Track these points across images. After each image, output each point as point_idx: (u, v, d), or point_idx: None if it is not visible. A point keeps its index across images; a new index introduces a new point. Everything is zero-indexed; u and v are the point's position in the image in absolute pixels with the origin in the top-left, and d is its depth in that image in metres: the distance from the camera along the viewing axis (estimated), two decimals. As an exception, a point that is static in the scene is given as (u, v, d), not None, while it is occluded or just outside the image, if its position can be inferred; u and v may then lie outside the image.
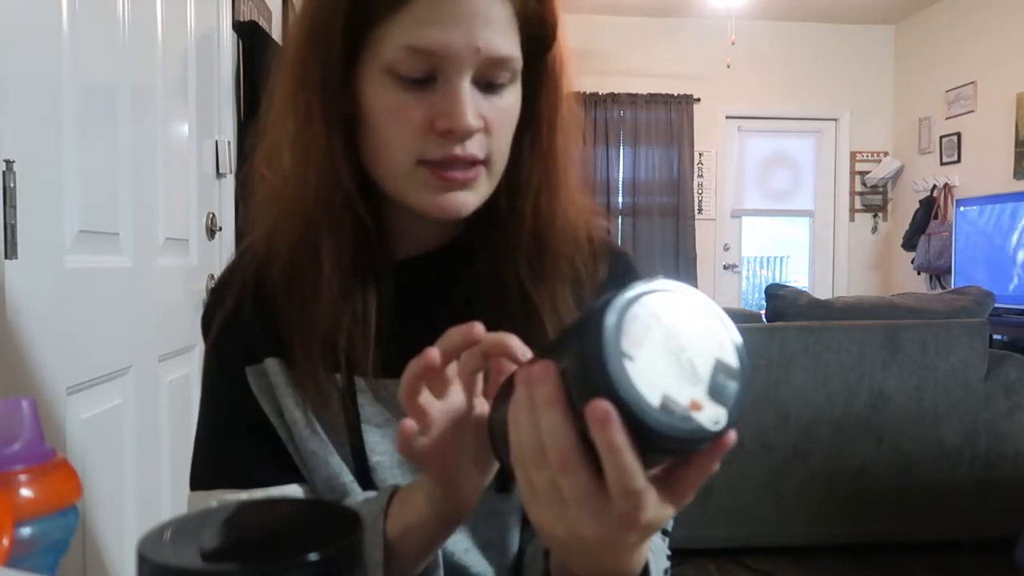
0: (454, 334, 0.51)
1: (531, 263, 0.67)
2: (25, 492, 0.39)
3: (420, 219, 0.68)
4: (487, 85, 0.62)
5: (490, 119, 0.62)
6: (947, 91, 5.19)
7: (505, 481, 0.68)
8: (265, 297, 0.68)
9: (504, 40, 0.60)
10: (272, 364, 0.67)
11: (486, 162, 0.63)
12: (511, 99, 0.64)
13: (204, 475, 0.69)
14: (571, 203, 0.70)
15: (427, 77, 0.60)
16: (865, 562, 2.64)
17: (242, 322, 0.68)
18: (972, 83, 4.95)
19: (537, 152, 0.68)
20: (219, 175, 1.99)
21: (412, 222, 0.69)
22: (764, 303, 2.84)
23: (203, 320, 0.72)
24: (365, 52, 0.61)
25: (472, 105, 0.60)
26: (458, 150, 0.61)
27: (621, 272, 0.73)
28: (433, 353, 0.50)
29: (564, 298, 0.68)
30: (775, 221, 6.09)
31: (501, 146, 0.64)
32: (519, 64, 0.63)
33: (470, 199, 0.63)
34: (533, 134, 0.67)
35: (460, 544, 0.69)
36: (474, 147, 0.61)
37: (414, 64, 0.59)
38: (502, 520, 0.69)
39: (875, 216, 5.91)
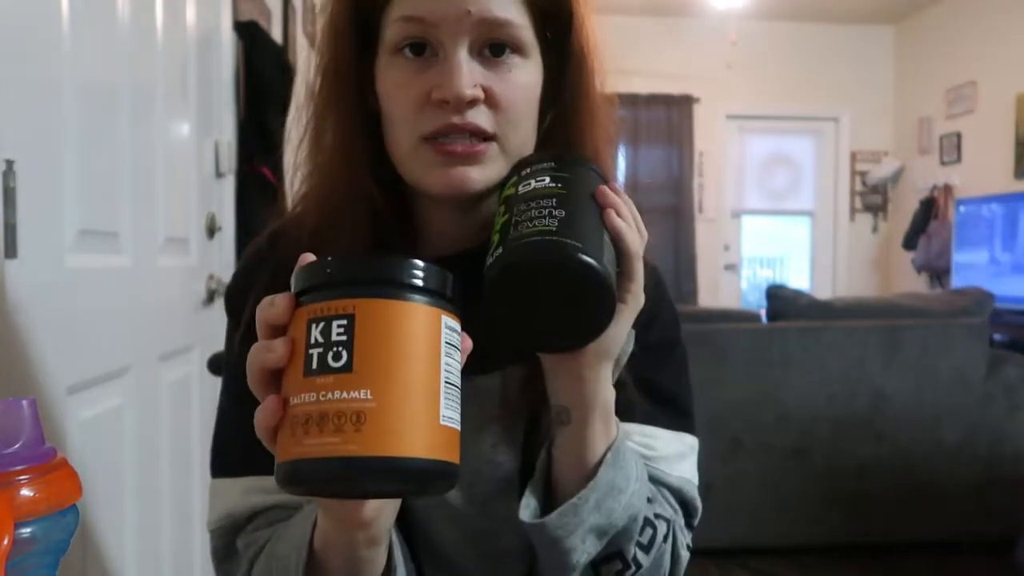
0: None
1: None
2: (25, 492, 0.39)
3: (446, 215, 0.68)
4: (492, 54, 0.61)
5: (496, 92, 0.61)
6: (947, 91, 5.19)
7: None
8: None
9: (501, 4, 0.60)
10: None
11: (497, 139, 0.62)
12: (522, 75, 0.63)
13: (230, 462, 0.67)
14: None
15: (424, 48, 0.60)
16: (865, 562, 2.64)
17: None
18: (972, 83, 4.96)
19: (562, 140, 0.66)
20: (219, 175, 1.99)
21: (440, 219, 0.68)
22: (764, 303, 2.85)
23: (227, 300, 0.72)
24: (377, 42, 0.63)
25: (468, 73, 0.59)
26: (456, 119, 0.60)
27: (652, 286, 0.65)
28: None
29: None
30: (775, 221, 6.10)
31: (513, 124, 0.62)
32: (523, 33, 0.62)
33: (475, 174, 0.62)
34: (556, 120, 0.66)
35: (468, 553, 0.68)
36: (476, 118, 0.60)
37: (409, 35, 0.60)
38: (521, 527, 0.68)
39: (875, 216, 5.91)
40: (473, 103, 0.60)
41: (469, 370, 0.67)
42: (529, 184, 0.57)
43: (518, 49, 0.62)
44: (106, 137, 1.32)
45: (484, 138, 0.61)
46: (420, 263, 0.44)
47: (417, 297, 0.43)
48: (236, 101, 2.12)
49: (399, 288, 0.43)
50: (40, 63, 1.10)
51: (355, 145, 0.65)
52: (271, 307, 0.44)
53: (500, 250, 0.54)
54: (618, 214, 0.56)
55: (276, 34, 2.58)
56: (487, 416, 0.67)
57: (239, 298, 0.68)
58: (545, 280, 0.53)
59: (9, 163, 1.00)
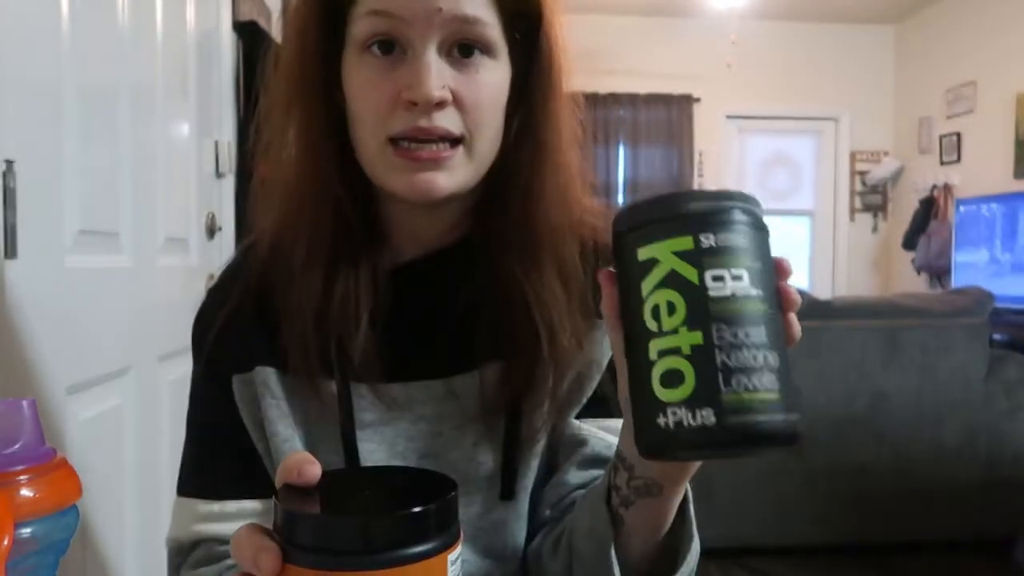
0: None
1: (522, 256, 0.65)
2: (25, 492, 0.39)
3: (413, 217, 0.67)
4: (460, 54, 0.61)
5: (463, 94, 0.60)
6: (947, 91, 5.19)
7: (508, 488, 0.68)
8: (267, 298, 0.67)
9: (471, 2, 0.59)
10: (262, 372, 0.66)
11: (464, 141, 0.61)
12: (489, 75, 0.62)
13: (185, 482, 0.70)
14: (565, 196, 0.67)
15: (393, 46, 0.60)
16: (865, 562, 2.64)
17: (238, 327, 0.67)
18: (972, 83, 4.95)
19: (528, 140, 0.66)
20: (219, 175, 1.99)
21: (406, 221, 0.68)
22: (764, 303, 2.84)
23: (197, 321, 0.71)
24: (345, 39, 0.62)
25: (436, 75, 0.59)
26: (423, 122, 0.59)
27: None
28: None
29: (552, 288, 0.65)
30: (775, 221, 6.08)
31: (481, 126, 0.62)
32: (491, 32, 0.61)
33: (442, 180, 0.61)
34: (523, 120, 0.66)
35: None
36: (443, 121, 0.60)
37: (378, 31, 0.59)
38: (505, 528, 0.68)
39: (875, 216, 5.91)
40: (442, 105, 0.59)
41: (447, 370, 0.68)
42: (722, 280, 0.42)
43: (486, 49, 0.61)
44: (106, 137, 1.32)
45: (452, 142, 0.61)
46: (430, 509, 0.38)
47: (423, 550, 0.38)
48: (236, 101, 2.12)
49: (404, 548, 0.37)
50: (40, 63, 1.10)
51: (321, 143, 0.63)
52: (256, 569, 0.38)
53: (707, 415, 0.41)
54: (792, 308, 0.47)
55: (276, 34, 2.58)
56: (467, 415, 0.67)
57: (210, 324, 0.68)
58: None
59: (9, 163, 1.00)
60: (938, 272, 5.00)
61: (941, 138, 5.25)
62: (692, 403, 0.41)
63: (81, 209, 1.19)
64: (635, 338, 0.45)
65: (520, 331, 0.65)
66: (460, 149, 0.61)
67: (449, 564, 0.39)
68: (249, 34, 2.16)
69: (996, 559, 2.61)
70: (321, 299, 0.64)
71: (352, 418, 0.66)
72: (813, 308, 2.71)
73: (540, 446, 0.68)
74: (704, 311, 0.42)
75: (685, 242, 0.43)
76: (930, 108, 5.38)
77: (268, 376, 0.66)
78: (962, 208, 4.63)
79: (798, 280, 5.92)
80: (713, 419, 0.41)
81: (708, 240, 0.43)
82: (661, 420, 0.42)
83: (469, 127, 0.61)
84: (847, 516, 2.65)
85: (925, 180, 5.32)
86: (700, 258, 0.42)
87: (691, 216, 0.43)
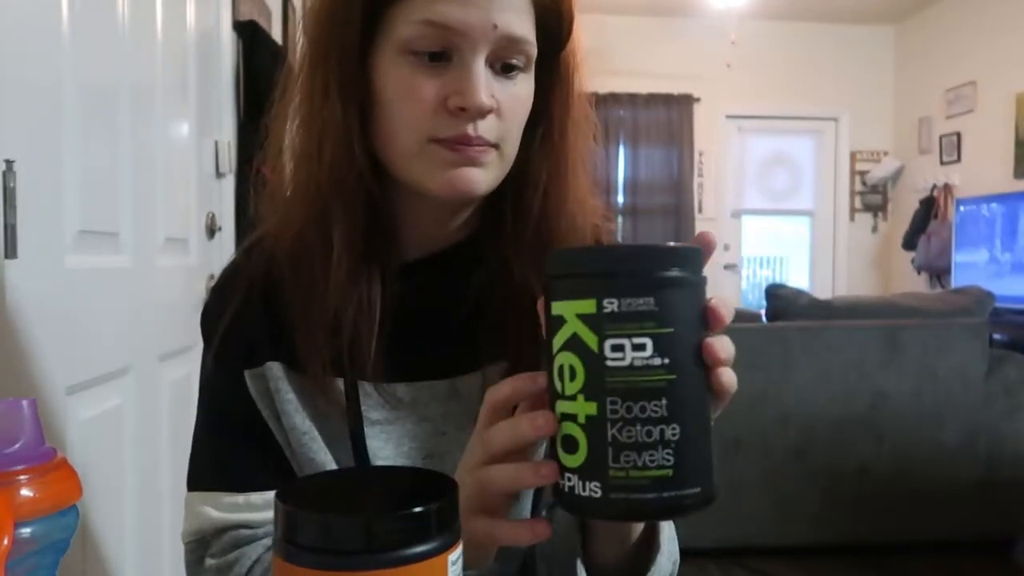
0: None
1: (535, 261, 0.66)
2: (25, 492, 0.39)
3: (428, 216, 0.67)
4: (501, 68, 0.62)
5: (503, 103, 0.62)
6: (947, 91, 5.19)
7: None
8: (273, 296, 0.67)
9: (520, 22, 0.61)
10: (273, 368, 0.66)
11: (498, 147, 0.63)
12: (524, 87, 0.64)
13: (202, 477, 0.69)
14: (578, 202, 0.69)
15: (442, 54, 0.60)
16: (865, 562, 2.64)
17: (246, 323, 0.67)
18: (972, 83, 4.96)
19: (547, 149, 0.67)
20: (219, 175, 1.99)
21: (420, 220, 0.68)
22: (764, 303, 2.84)
23: (203, 319, 0.71)
24: (380, 34, 0.62)
25: (486, 84, 0.60)
26: (470, 130, 0.60)
27: None
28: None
29: None
30: (775, 221, 6.09)
31: (512, 134, 0.64)
32: (533, 50, 0.63)
33: (481, 178, 0.62)
34: (545, 131, 0.67)
35: None
36: (486, 129, 0.61)
37: (430, 39, 0.59)
38: None
39: (875, 216, 5.91)
40: (486, 113, 0.61)
41: (451, 370, 0.68)
42: (621, 350, 0.41)
43: (526, 65, 0.63)
44: (106, 137, 1.32)
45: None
46: (431, 509, 0.38)
47: (424, 550, 0.38)
48: (236, 101, 2.12)
49: (405, 548, 0.37)
50: (40, 63, 1.10)
51: (357, 139, 0.63)
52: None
53: (594, 488, 0.42)
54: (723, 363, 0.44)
55: (276, 34, 2.58)
56: (471, 415, 0.67)
57: (215, 322, 0.69)
58: None
59: (9, 163, 1.00)
60: (938, 272, 5.01)
61: (941, 138, 5.25)
62: (583, 474, 0.42)
63: (81, 209, 1.19)
64: (549, 390, 0.45)
65: (528, 332, 0.65)
66: (495, 151, 0.63)
67: (450, 564, 0.39)
68: (249, 34, 2.16)
69: (996, 559, 2.61)
70: (342, 299, 0.64)
71: (360, 417, 0.66)
72: (813, 308, 2.71)
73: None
74: (600, 383, 0.41)
75: (588, 305, 0.42)
76: (930, 108, 5.38)
77: (279, 371, 0.66)
78: (962, 208, 4.63)
79: (798, 280, 5.93)
80: (600, 493, 0.42)
81: (611, 305, 0.41)
82: (561, 481, 0.44)
83: (503, 134, 0.63)
84: (847, 516, 2.65)
85: (925, 180, 5.33)
86: (601, 324, 0.41)
87: (596, 277, 0.42)
